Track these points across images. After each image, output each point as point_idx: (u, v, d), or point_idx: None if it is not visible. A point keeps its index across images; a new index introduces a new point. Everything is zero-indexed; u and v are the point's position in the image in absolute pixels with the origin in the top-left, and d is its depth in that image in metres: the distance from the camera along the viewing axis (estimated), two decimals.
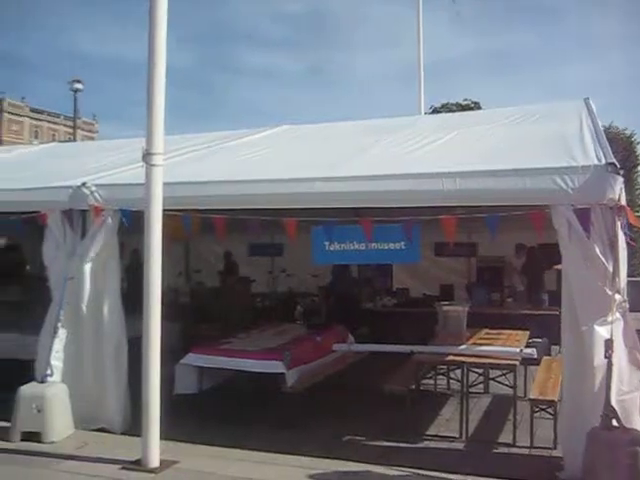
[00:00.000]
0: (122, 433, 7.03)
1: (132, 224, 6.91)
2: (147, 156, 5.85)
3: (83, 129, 74.67)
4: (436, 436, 7.12)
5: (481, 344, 7.75)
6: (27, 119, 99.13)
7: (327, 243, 6.69)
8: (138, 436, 6.14)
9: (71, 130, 79.45)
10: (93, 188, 7.17)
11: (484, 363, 7.48)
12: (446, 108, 37.37)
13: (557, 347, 7.88)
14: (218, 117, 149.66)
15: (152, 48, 5.87)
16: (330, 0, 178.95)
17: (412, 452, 6.55)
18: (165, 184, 6.01)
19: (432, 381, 8.71)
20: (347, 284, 12.32)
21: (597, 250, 5.47)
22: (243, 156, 8.38)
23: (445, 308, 8.63)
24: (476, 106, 36.18)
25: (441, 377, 8.72)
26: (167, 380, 6.52)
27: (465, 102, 39.16)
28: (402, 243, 6.48)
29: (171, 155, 7.19)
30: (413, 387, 7.34)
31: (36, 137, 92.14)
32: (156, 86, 5.87)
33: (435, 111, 34.57)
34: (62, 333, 7.16)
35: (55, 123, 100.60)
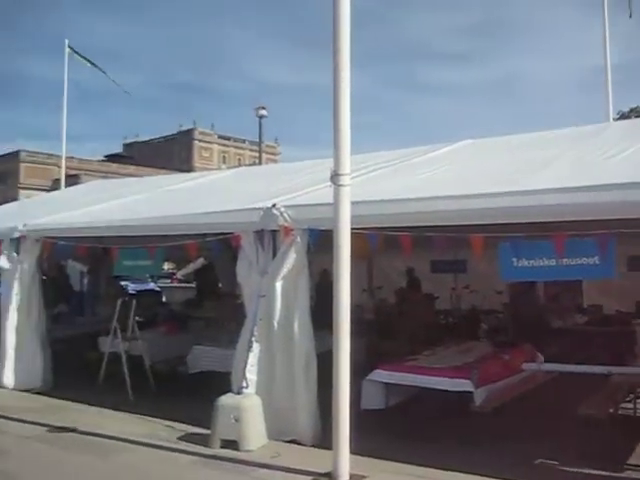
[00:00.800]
0: (313, 445, 7.20)
1: (319, 243, 7.15)
2: (335, 177, 6.01)
3: (267, 152, 78.06)
4: (639, 467, 6.62)
5: None
6: (216, 145, 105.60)
7: (515, 259, 6.50)
8: (328, 449, 6.28)
9: (255, 154, 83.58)
10: (282, 209, 7.47)
11: None
12: (635, 112, 35.16)
13: None
14: (400, 135, 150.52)
15: (337, 73, 6.03)
16: (505, 8, 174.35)
17: None
18: (352, 203, 6.14)
19: (632, 405, 8.15)
20: (533, 301, 11.89)
21: None
22: (426, 173, 8.39)
23: None
24: None
25: None
26: (354, 395, 6.62)
27: None
28: (596, 258, 6.15)
29: (356, 174, 7.33)
30: (611, 411, 6.90)
31: (224, 162, 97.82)
32: (342, 108, 6.02)
33: (623, 116, 32.59)
34: (256, 347, 7.53)
35: (241, 148, 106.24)
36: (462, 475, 6.15)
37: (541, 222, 6.56)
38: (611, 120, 17.39)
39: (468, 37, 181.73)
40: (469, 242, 6.73)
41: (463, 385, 7.24)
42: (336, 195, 6.06)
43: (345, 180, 6.02)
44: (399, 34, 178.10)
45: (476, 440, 6.92)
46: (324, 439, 6.73)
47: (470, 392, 7.21)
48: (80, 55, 27.45)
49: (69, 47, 27.45)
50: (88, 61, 27.28)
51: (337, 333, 6.12)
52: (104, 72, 27.67)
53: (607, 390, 7.20)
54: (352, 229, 6.17)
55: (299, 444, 7.29)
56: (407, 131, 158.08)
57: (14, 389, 10.24)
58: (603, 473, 6.30)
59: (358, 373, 7.47)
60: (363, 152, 11.23)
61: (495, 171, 7.95)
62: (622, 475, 6.40)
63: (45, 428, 7.94)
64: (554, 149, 8.27)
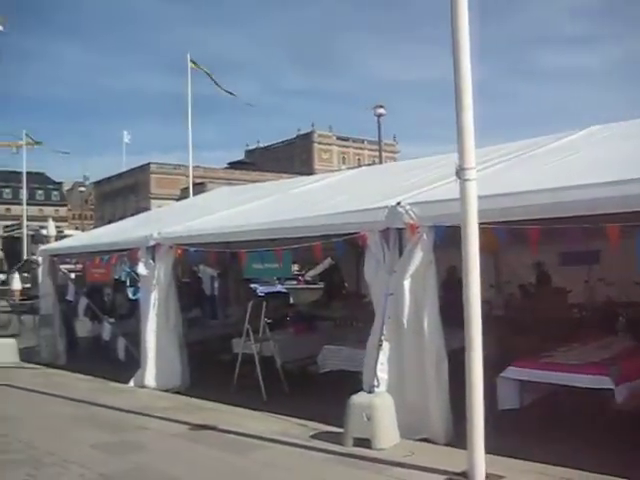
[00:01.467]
0: (445, 444, 7.14)
1: (446, 239, 7.06)
2: (460, 171, 5.92)
3: (386, 151, 77.97)
4: None
5: None
6: (335, 147, 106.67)
7: None
8: (462, 448, 6.21)
9: (374, 153, 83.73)
10: (407, 207, 7.45)
11: None
12: None
13: None
14: (523, 125, 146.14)
15: (457, 67, 5.94)
16: None
17: None
18: (478, 197, 6.03)
19: None
20: None
21: None
22: (553, 163, 8.11)
23: None
24: None
25: None
26: (486, 393, 6.50)
27: None
28: None
29: (481, 168, 7.18)
30: None
31: (343, 163, 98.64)
32: (464, 102, 5.93)
33: None
34: (386, 346, 7.55)
35: (360, 148, 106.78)
36: (602, 477, 5.90)
37: None
38: None
39: (587, 19, 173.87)
40: (603, 232, 6.43)
41: (603, 382, 6.90)
42: (462, 190, 5.96)
43: (471, 174, 5.92)
44: (518, 20, 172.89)
45: (617, 440, 6.61)
46: (457, 438, 6.66)
47: (610, 389, 6.89)
48: (201, 68, 28.58)
49: (191, 61, 28.63)
50: (207, 74, 28.36)
51: (468, 330, 6.03)
52: (219, 86, 28.67)
53: None
54: (479, 224, 6.05)
55: (432, 443, 7.24)
56: (528, 121, 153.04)
57: (155, 389, 10.78)
58: None
59: (490, 370, 7.33)
60: (485, 145, 11.01)
61: (628, 157, 7.56)
62: None
63: (186, 426, 8.31)
64: None
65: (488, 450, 6.05)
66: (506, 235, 6.91)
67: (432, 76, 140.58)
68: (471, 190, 5.92)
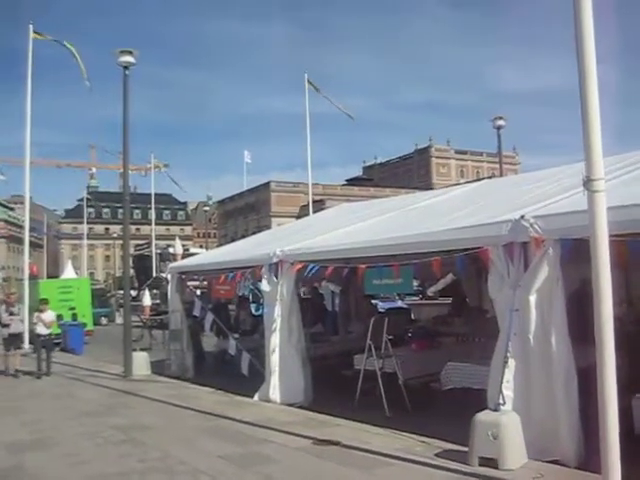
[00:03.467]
0: (577, 467, 6.86)
1: (573, 252, 6.82)
2: (588, 182, 5.70)
3: (505, 163, 76.31)
4: None
5: None
6: (453, 161, 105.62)
7: None
8: (595, 472, 5.92)
9: (493, 165, 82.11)
10: (532, 220, 7.27)
11: None
12: None
13: None
14: None
15: (582, 71, 5.75)
16: None
17: None
18: (608, 208, 5.79)
19: None
20: None
21: None
22: None
23: None
24: None
25: None
26: (620, 414, 6.19)
27: None
28: None
29: (609, 177, 6.91)
30: None
31: (462, 176, 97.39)
32: (590, 109, 5.71)
33: None
34: (511, 363, 7.36)
35: (478, 161, 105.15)
36: None
37: None
38: None
39: None
40: None
41: None
42: (590, 201, 5.74)
43: (599, 185, 5.69)
44: None
45: None
46: (589, 460, 6.36)
47: None
48: (317, 88, 29.11)
49: (308, 81, 29.21)
50: (317, 90, 28.86)
51: (601, 348, 5.77)
52: (330, 100, 29.06)
53: None
54: (610, 236, 5.81)
55: (562, 465, 6.97)
56: None
57: (279, 403, 10.98)
58: None
59: (625, 391, 6.98)
60: (615, 153, 10.55)
61: None
62: None
63: (310, 440, 8.40)
64: None
65: (625, 476, 5.73)
66: (638, 248, 6.59)
67: (551, 84, 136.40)
68: (600, 201, 5.68)
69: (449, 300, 17.14)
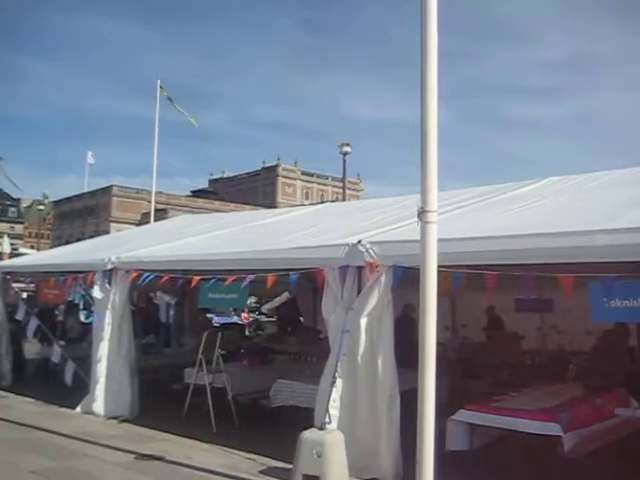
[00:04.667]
0: None
1: (404, 280, 7.12)
2: (422, 213, 5.99)
3: (349, 188, 78.58)
4: None
5: None
6: (299, 182, 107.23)
7: (606, 299, 6.30)
8: None
9: (338, 190, 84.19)
10: (368, 245, 7.51)
11: None
12: None
13: None
14: (483, 171, 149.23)
15: (424, 109, 6.04)
16: (595, 41, 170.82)
17: None
18: (439, 240, 6.11)
19: None
20: (624, 343, 11.41)
21: None
22: (513, 210, 8.29)
23: None
24: None
25: None
26: (437, 435, 6.52)
27: None
28: None
29: (442, 211, 7.29)
30: None
31: (307, 198, 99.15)
32: (429, 144, 6.02)
33: None
34: (339, 383, 7.53)
35: (324, 184, 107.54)
36: None
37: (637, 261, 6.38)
38: None
39: (553, 72, 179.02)
40: (557, 281, 6.57)
41: (552, 429, 6.99)
42: (423, 232, 6.03)
43: (432, 217, 5.99)
44: (484, 70, 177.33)
45: None
46: (407, 478, 6.62)
47: (559, 436, 6.97)
48: (168, 96, 28.62)
49: (161, 87, 28.65)
50: (170, 101, 28.45)
51: (423, 371, 6.03)
52: (184, 113, 28.74)
53: None
54: (438, 267, 6.12)
55: None
56: (490, 167, 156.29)
57: (103, 416, 10.54)
58: None
59: (441, 412, 7.35)
60: (447, 189, 11.21)
61: (585, 208, 7.79)
62: None
63: (133, 455, 8.14)
64: None
65: None
66: (461, 279, 6.99)
67: (400, 117, 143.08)
68: (432, 232, 5.98)
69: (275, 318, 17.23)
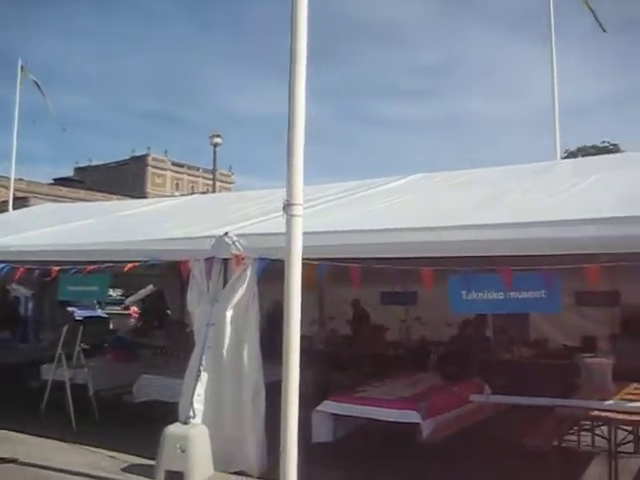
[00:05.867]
0: (260, 477, 7.13)
1: (271, 272, 7.13)
2: (287, 207, 6.02)
3: (221, 180, 77.99)
4: None
5: (630, 400, 7.28)
6: (169, 172, 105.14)
7: (464, 292, 6.60)
8: None
9: (209, 182, 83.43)
10: (235, 237, 7.47)
11: (635, 420, 7.00)
12: (583, 152, 36.27)
13: None
14: (354, 167, 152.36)
15: (292, 104, 6.08)
16: (464, 46, 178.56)
17: None
18: (304, 233, 6.16)
19: (575, 438, 8.30)
20: (481, 334, 12.03)
21: None
22: (378, 205, 8.48)
23: (589, 360, 8.24)
24: (615, 149, 34.92)
25: (585, 434, 8.28)
26: (302, 426, 6.59)
27: (603, 145, 37.89)
28: (542, 292, 6.29)
29: (309, 205, 7.37)
30: (555, 443, 7.00)
31: (177, 189, 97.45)
32: (296, 139, 6.06)
33: (571, 155, 33.68)
34: (204, 376, 7.44)
35: (195, 176, 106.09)
36: None
37: (491, 256, 6.71)
38: (558, 158, 17.89)
39: (423, 74, 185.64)
40: (419, 275, 6.81)
41: (410, 416, 7.27)
42: (288, 225, 6.06)
43: (298, 210, 6.04)
44: (356, 69, 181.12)
45: (423, 472, 6.93)
46: (272, 470, 6.62)
47: (418, 424, 7.24)
48: (31, 75, 27.14)
49: (22, 66, 27.11)
50: (37, 85, 27.04)
51: (286, 363, 6.06)
52: (44, 95, 27.37)
53: (552, 422, 7.31)
54: (303, 259, 6.18)
55: (247, 475, 7.20)
56: (360, 164, 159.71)
57: None
58: None
59: (307, 404, 7.45)
60: (316, 183, 11.33)
61: (446, 205, 8.10)
62: None
63: None
64: (502, 185, 8.47)
65: None
66: (327, 272, 7.10)
67: (275, 111, 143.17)
68: (297, 225, 6.02)
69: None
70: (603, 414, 6.97)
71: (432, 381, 9.02)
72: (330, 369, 10.75)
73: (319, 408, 7.72)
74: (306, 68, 6.18)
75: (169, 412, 7.72)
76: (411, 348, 12.85)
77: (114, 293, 29.91)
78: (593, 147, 37.51)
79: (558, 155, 18.73)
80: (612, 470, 6.72)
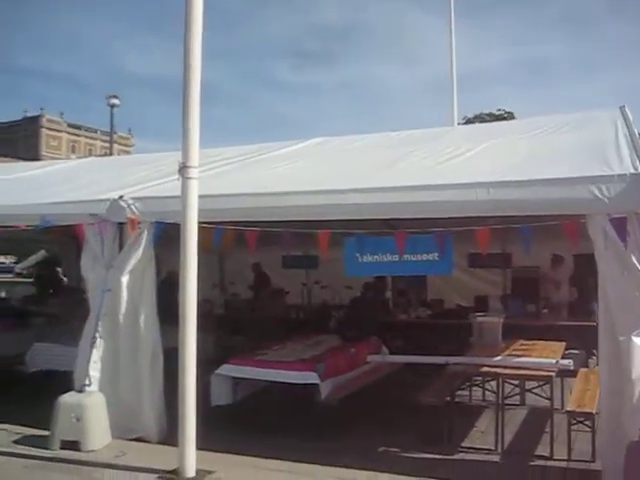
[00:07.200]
0: (159, 443, 7.10)
1: (170, 236, 7.01)
2: (183, 169, 5.92)
3: (119, 143, 75.65)
4: (471, 448, 7.05)
5: (517, 355, 7.65)
6: (65, 134, 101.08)
7: (359, 255, 6.70)
8: (175, 446, 6.16)
9: (107, 145, 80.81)
10: (130, 201, 7.29)
11: (520, 375, 7.38)
12: (479, 119, 37.30)
13: (595, 359, 7.75)
14: (253, 131, 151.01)
15: (187, 63, 5.97)
16: (365, 11, 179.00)
17: (448, 464, 6.49)
18: (199, 197, 6.08)
19: (467, 393, 8.67)
20: (380, 295, 12.30)
21: (634, 259, 5.42)
22: (276, 168, 8.44)
23: (480, 319, 8.60)
24: (510, 116, 36.12)
25: (476, 389, 8.67)
26: (202, 390, 6.57)
27: (499, 112, 39.07)
28: (435, 254, 6.46)
29: (205, 168, 7.26)
30: (448, 399, 7.28)
31: (74, 152, 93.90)
32: (191, 100, 5.96)
33: (468, 122, 34.59)
34: (100, 344, 7.28)
35: (92, 138, 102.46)
36: (308, 466, 6.28)
37: (386, 219, 6.84)
38: (455, 125, 18.34)
39: (323, 38, 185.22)
40: (316, 238, 6.85)
41: (309, 377, 7.36)
42: (184, 188, 5.98)
43: (193, 173, 5.95)
44: (255, 31, 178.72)
45: (323, 432, 7.06)
46: (171, 436, 6.60)
47: (316, 385, 7.35)
48: None
49: None
50: None
51: (183, 328, 6.04)
52: None
53: (445, 379, 7.60)
54: (200, 223, 6.10)
55: (145, 442, 7.15)
56: (259, 128, 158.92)
57: None
58: (440, 457, 6.67)
59: (207, 369, 7.43)
60: (216, 147, 11.16)
61: (344, 168, 8.15)
62: (457, 457, 6.80)
63: None
64: (399, 149, 8.59)
65: (200, 446, 6.11)
66: (225, 236, 7.05)
67: (174, 72, 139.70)
68: (192, 188, 5.94)
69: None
70: (492, 370, 7.30)
71: (331, 343, 9.15)
72: (231, 333, 10.75)
73: (218, 371, 7.70)
74: (203, 28, 6.07)
75: (65, 381, 7.52)
76: (312, 311, 13.03)
77: (6, 260, 28.77)
78: (489, 115, 38.60)
79: (455, 121, 19.19)
80: (499, 420, 7.06)
